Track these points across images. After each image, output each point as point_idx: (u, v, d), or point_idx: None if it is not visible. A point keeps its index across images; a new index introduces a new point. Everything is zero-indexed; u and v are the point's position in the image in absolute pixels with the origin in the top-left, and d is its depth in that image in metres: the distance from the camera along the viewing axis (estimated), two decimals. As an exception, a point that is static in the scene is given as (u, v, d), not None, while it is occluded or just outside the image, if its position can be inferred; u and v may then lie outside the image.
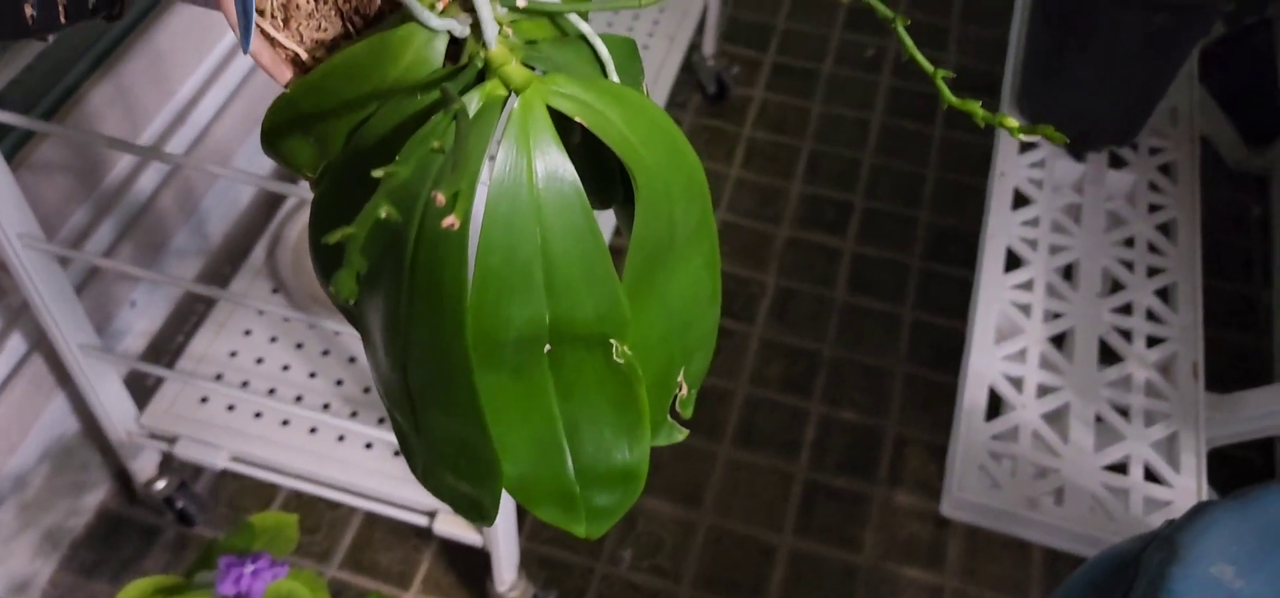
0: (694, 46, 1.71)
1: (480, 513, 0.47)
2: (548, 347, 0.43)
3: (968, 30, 1.87)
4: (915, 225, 1.58)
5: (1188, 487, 0.94)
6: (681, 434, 0.52)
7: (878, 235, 1.57)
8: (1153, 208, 1.13)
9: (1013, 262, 1.09)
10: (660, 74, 1.58)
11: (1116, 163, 1.16)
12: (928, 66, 0.43)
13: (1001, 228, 1.12)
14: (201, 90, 1.28)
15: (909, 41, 0.42)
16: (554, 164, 0.39)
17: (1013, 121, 0.45)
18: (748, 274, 1.52)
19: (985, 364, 1.01)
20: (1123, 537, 0.90)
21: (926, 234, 1.57)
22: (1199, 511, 0.66)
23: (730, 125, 1.70)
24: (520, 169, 0.38)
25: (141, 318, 1.28)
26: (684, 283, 0.48)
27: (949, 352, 1.36)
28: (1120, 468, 0.96)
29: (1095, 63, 1.05)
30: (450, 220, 0.29)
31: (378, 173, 0.30)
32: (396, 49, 0.39)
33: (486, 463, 0.44)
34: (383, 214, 0.29)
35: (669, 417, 0.51)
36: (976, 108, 0.44)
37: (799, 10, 1.91)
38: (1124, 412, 0.99)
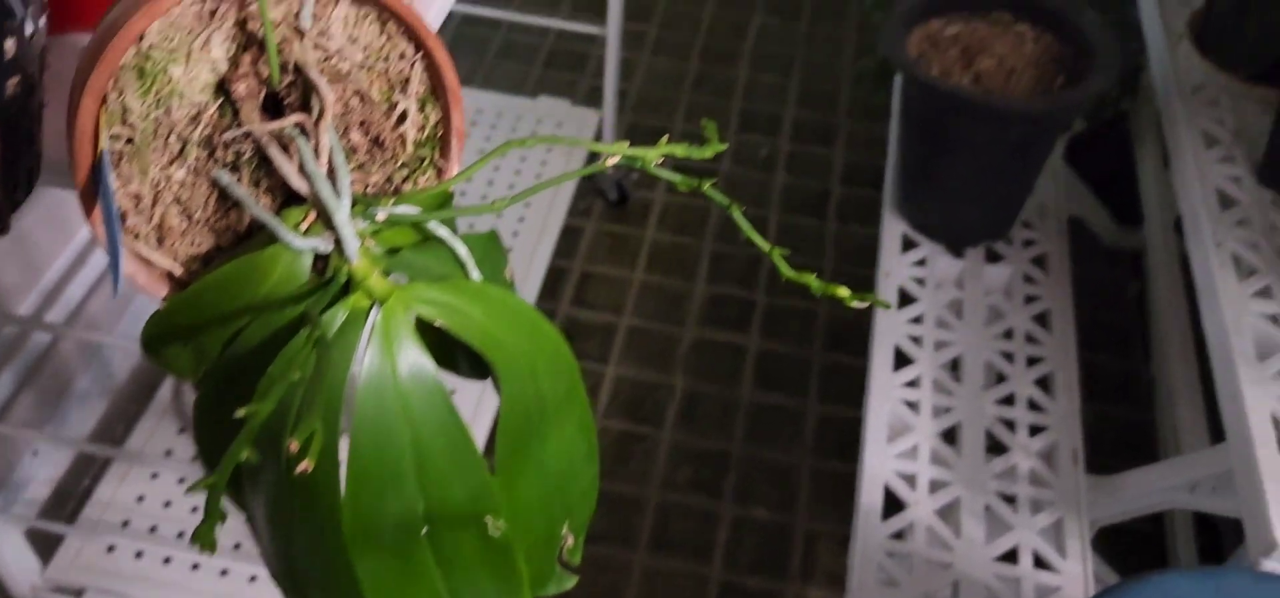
0: (594, 155, 1.76)
1: (372, 684, 0.49)
2: (425, 529, 0.45)
3: (855, 127, 1.95)
4: (815, 320, 1.63)
5: (1074, 571, 0.99)
6: (571, 581, 0.55)
7: (780, 331, 1.61)
8: (1028, 299, 1.19)
9: (901, 359, 1.14)
10: (560, 188, 1.62)
11: (993, 258, 1.23)
12: (764, 244, 0.46)
13: (889, 327, 1.17)
14: (100, 235, 1.28)
15: (746, 224, 0.46)
16: (418, 367, 0.41)
17: (845, 291, 0.49)
18: (655, 379, 1.55)
19: (879, 464, 1.06)
20: (1013, 626, 0.94)
21: (826, 327, 1.62)
22: (1067, 609, 0.70)
23: (633, 230, 1.75)
24: (385, 374, 0.41)
25: (45, 465, 1.27)
26: (559, 446, 0.51)
27: (853, 443, 1.40)
28: (1011, 557, 1.00)
29: (962, 170, 1.12)
30: (304, 466, 0.32)
31: (241, 413, 0.33)
32: (265, 267, 0.41)
33: (371, 644, 0.46)
34: (243, 457, 0.32)
35: (558, 566, 0.54)
36: (812, 279, 0.48)
37: (695, 112, 1.98)
38: (1011, 501, 1.04)
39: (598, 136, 1.75)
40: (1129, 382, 1.55)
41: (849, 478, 1.39)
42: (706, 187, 0.45)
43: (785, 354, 1.58)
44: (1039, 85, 1.11)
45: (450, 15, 2.07)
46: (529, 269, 1.54)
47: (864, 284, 1.64)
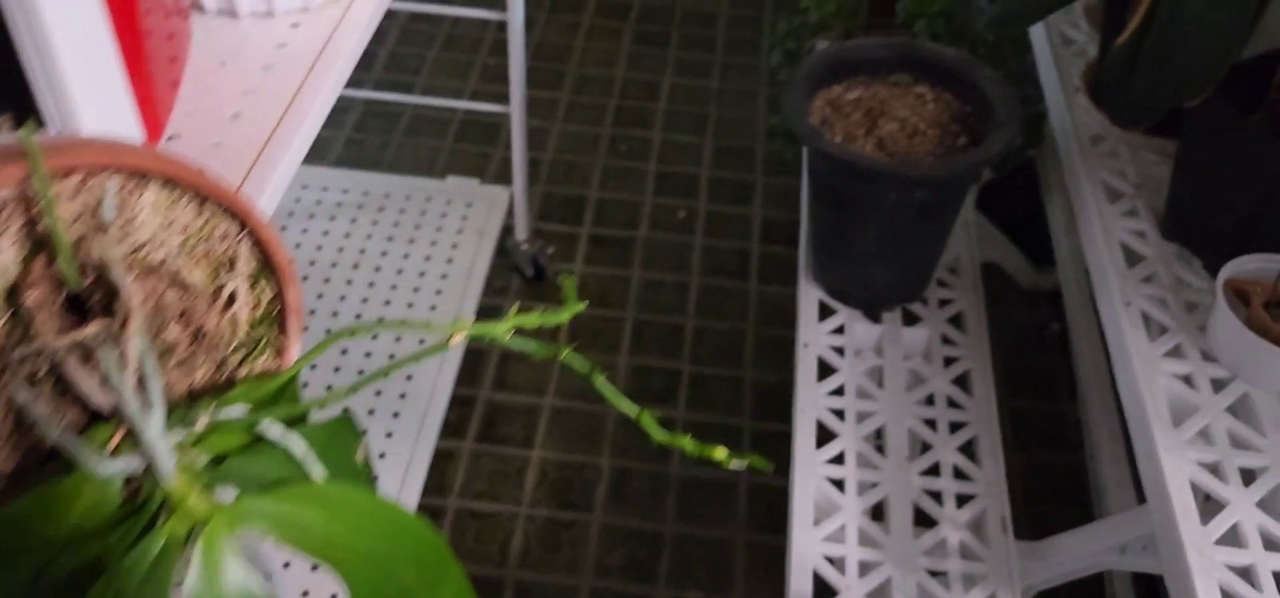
0: (507, 230, 1.72)
1: None
2: None
3: (771, 182, 1.94)
4: (742, 386, 1.60)
5: (1009, 645, 0.96)
6: None
7: (706, 401, 1.58)
8: (948, 361, 1.17)
9: (824, 434, 1.11)
10: (473, 269, 1.58)
11: (910, 320, 1.21)
12: (632, 409, 0.43)
13: (810, 401, 1.14)
14: None
15: (610, 391, 0.42)
16: (249, 593, 0.37)
17: (722, 452, 0.45)
18: (582, 459, 1.51)
19: (807, 548, 1.02)
20: (951, 714, 0.91)
21: (753, 394, 1.59)
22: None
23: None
24: (209, 610, 0.37)
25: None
26: (435, 629, 0.47)
27: (785, 514, 1.37)
28: (945, 635, 0.97)
29: (873, 236, 1.10)
30: None
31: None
32: (68, 496, 0.37)
33: None
34: None
35: None
36: (686, 441, 0.44)
37: (610, 179, 1.95)
38: (943, 577, 1.01)
39: (510, 212, 1.72)
40: (1056, 425, 1.54)
41: (784, 551, 1.35)
42: (565, 354, 0.41)
43: (713, 424, 1.55)
44: (942, 144, 1.10)
45: (353, 98, 2.03)
46: (445, 355, 1.50)
47: (786, 347, 1.61)
